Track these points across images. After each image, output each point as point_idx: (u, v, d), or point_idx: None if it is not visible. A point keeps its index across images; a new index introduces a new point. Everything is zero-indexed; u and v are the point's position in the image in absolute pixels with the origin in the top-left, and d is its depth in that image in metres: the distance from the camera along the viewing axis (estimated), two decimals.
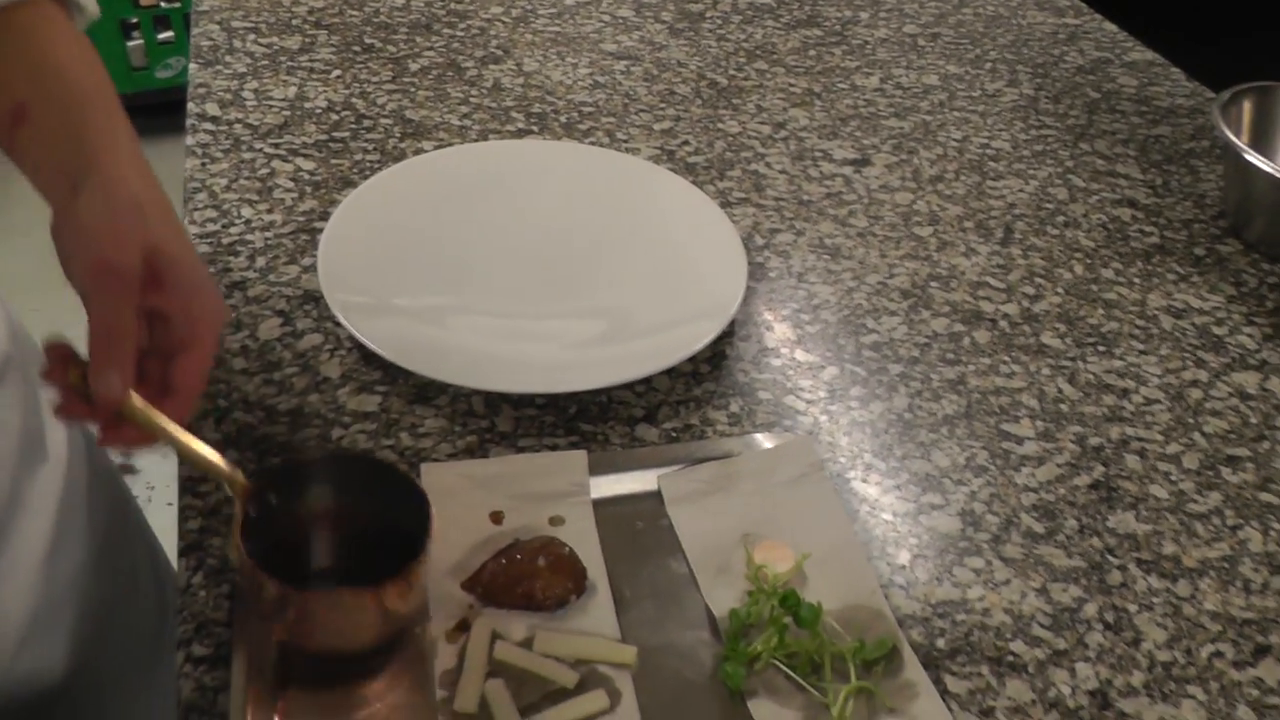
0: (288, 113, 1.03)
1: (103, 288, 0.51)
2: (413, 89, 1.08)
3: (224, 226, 0.88)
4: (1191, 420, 0.79)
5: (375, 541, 0.57)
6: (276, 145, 0.98)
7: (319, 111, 1.04)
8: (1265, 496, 0.74)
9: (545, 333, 0.80)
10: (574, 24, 1.23)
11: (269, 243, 0.87)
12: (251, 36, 1.14)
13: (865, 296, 0.87)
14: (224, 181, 0.93)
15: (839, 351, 0.82)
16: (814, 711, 0.57)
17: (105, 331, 0.51)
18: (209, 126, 1.01)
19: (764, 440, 0.72)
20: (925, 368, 0.81)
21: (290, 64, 1.11)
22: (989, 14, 1.35)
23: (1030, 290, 0.90)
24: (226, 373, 0.74)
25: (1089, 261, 0.94)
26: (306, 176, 0.95)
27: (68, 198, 0.53)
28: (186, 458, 0.55)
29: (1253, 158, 0.92)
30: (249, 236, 0.87)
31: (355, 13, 1.20)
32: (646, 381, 0.76)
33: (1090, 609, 0.65)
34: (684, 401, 0.75)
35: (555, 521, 0.65)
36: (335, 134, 1.01)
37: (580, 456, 0.68)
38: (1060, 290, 0.90)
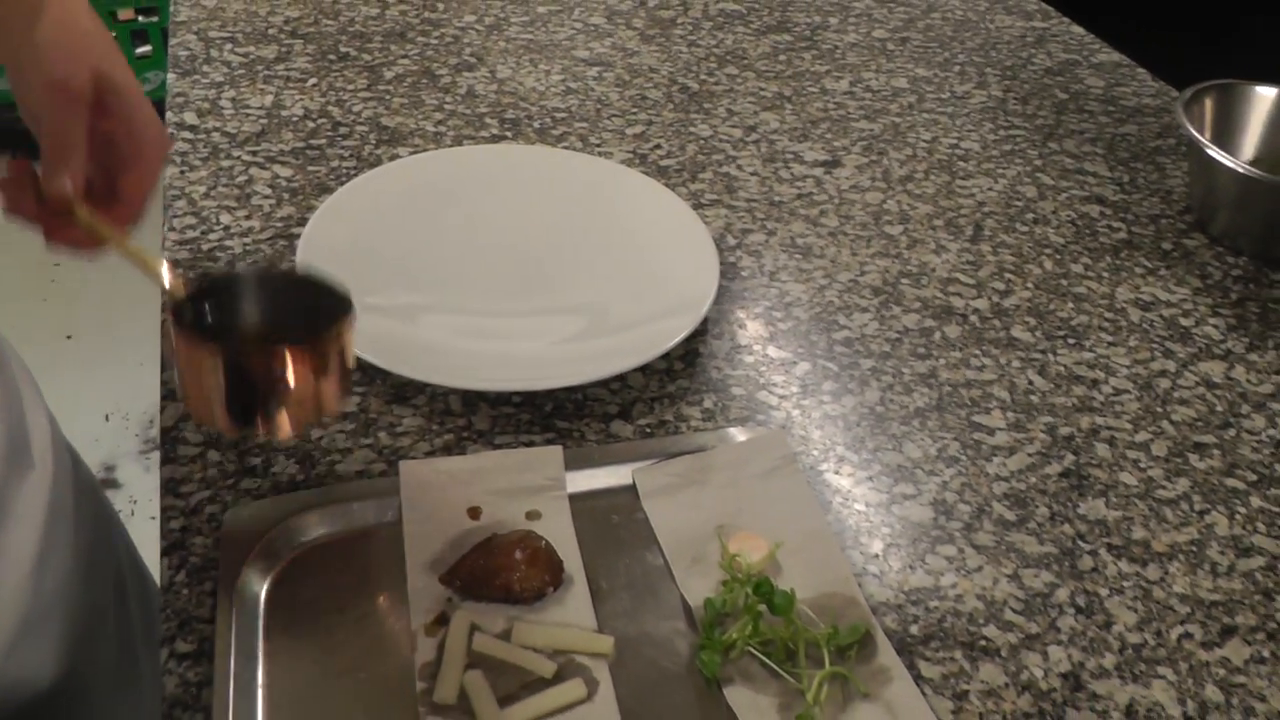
0: (265, 121, 1.04)
1: (56, 104, 0.55)
2: (388, 96, 1.09)
3: (203, 233, 0.89)
4: (1160, 409, 0.80)
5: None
6: (254, 153, 0.99)
7: (296, 119, 1.04)
8: (1231, 482, 0.75)
9: (521, 332, 0.81)
10: (546, 31, 1.24)
11: (248, 248, 0.87)
12: (229, 46, 1.15)
13: (837, 294, 0.88)
14: (203, 189, 0.94)
15: (811, 348, 0.83)
16: (789, 697, 0.58)
17: (57, 141, 0.56)
18: (187, 135, 1.01)
19: (737, 434, 0.72)
20: (896, 362, 0.82)
21: (267, 73, 1.11)
22: (957, 18, 1.36)
23: (1000, 286, 0.91)
24: None
25: (1058, 257, 0.95)
26: (284, 183, 0.95)
27: (24, 35, 0.57)
28: (127, 257, 0.58)
29: (1215, 153, 0.94)
30: (228, 242, 0.88)
31: (330, 22, 1.21)
32: (621, 379, 0.77)
33: (1062, 594, 0.66)
34: (658, 398, 0.76)
35: (532, 516, 0.66)
36: (312, 141, 1.01)
37: (556, 452, 0.68)
38: (1030, 285, 0.91)
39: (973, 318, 0.87)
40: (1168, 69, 1.27)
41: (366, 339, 0.74)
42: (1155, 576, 0.68)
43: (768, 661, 0.59)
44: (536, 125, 1.07)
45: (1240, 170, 0.93)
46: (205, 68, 1.12)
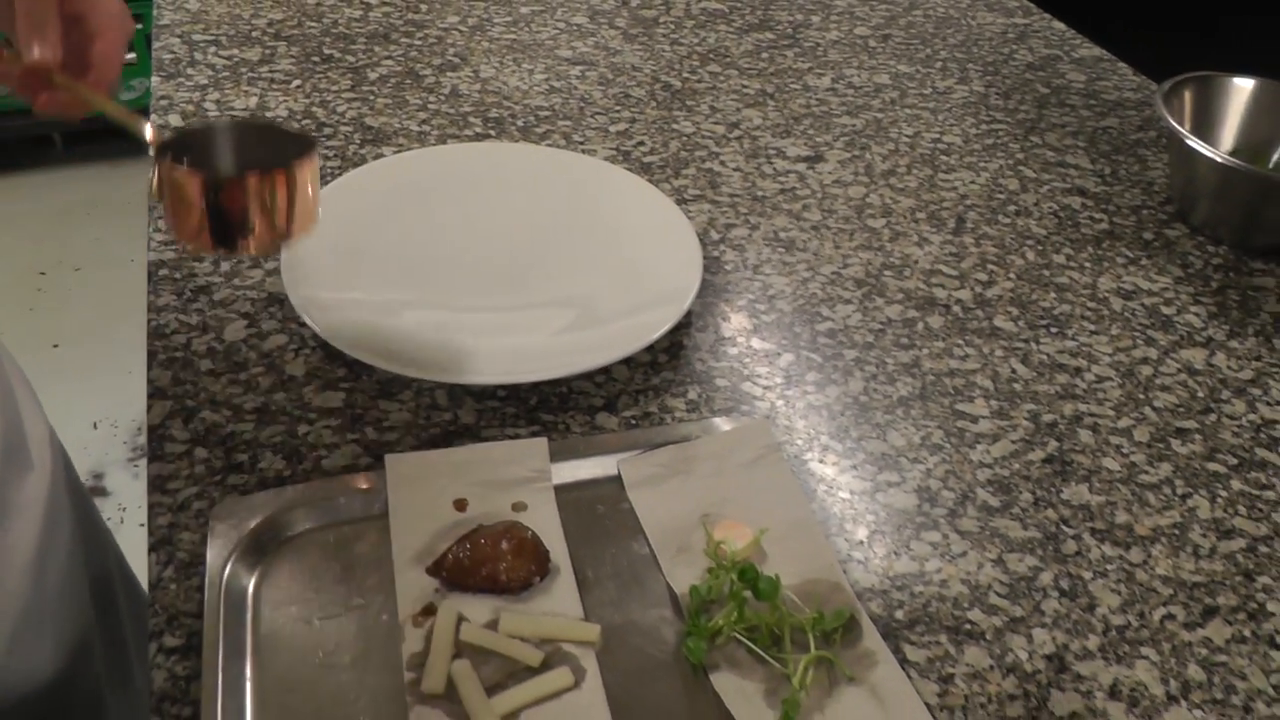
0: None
1: None
2: (372, 97, 1.09)
3: None
4: (1142, 396, 0.81)
5: None
6: None
7: (280, 120, 1.04)
8: (1212, 466, 0.76)
9: (505, 326, 0.81)
10: (529, 31, 1.25)
11: None
12: (212, 49, 1.15)
13: (820, 286, 0.89)
14: None
15: (795, 339, 0.83)
16: (775, 682, 0.58)
17: (32, 16, 0.59)
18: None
19: (721, 424, 0.73)
20: (880, 352, 0.83)
21: (251, 75, 1.12)
22: (939, 15, 1.37)
23: (983, 276, 0.92)
24: (194, 374, 0.75)
25: (1040, 248, 0.96)
26: None
27: None
28: (111, 115, 0.64)
29: (1194, 143, 0.95)
30: None
31: (314, 24, 1.21)
32: (605, 371, 0.78)
33: (1046, 577, 0.67)
34: (643, 390, 0.77)
35: (518, 507, 0.66)
36: None
37: (541, 444, 0.69)
38: (1012, 276, 0.92)
39: (955, 308, 0.88)
40: (1148, 64, 1.28)
41: (352, 335, 0.74)
42: (1138, 559, 0.69)
43: (753, 648, 0.59)
44: (520, 124, 1.07)
45: (1219, 160, 0.94)
46: (189, 70, 1.12)
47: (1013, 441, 0.76)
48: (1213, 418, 0.80)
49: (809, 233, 0.95)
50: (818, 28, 1.31)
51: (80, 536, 0.79)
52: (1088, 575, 0.67)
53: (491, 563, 0.61)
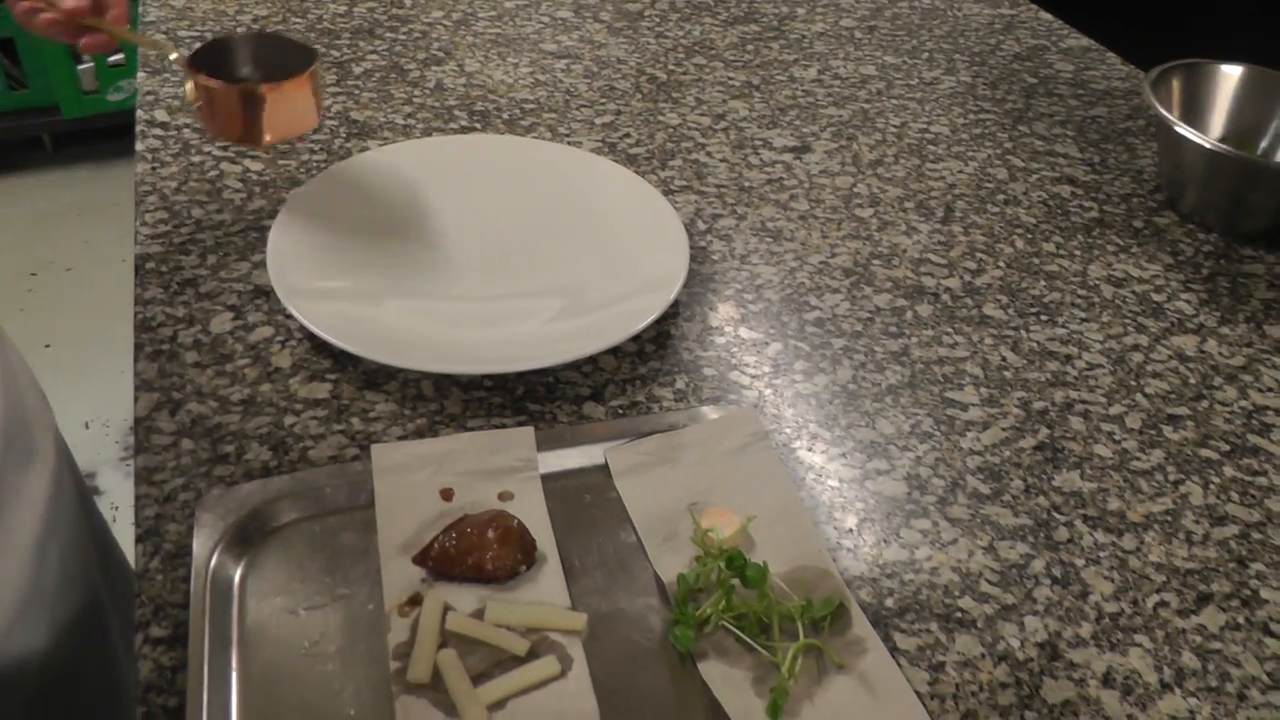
0: None
1: None
2: (357, 91, 1.08)
3: (175, 226, 0.88)
4: (1133, 382, 0.81)
5: None
6: (225, 148, 0.99)
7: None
8: (1205, 452, 0.75)
9: (492, 316, 0.81)
10: (514, 25, 1.24)
11: (219, 241, 0.87)
12: (197, 45, 1.14)
13: (808, 275, 0.89)
14: (174, 184, 0.93)
15: (782, 328, 0.83)
16: (763, 671, 0.58)
17: None
18: (158, 132, 1.01)
19: (709, 413, 0.72)
20: (868, 341, 0.82)
21: None
22: (925, 6, 1.37)
23: (972, 265, 0.91)
24: (180, 366, 0.74)
25: (1030, 236, 0.96)
26: (255, 177, 0.95)
27: None
28: (138, 43, 0.86)
29: (1183, 130, 0.94)
30: (200, 236, 0.87)
31: (299, 20, 1.21)
32: (593, 361, 0.77)
33: (1038, 565, 0.66)
34: (630, 380, 0.76)
35: (505, 497, 0.65)
36: None
37: (528, 433, 0.68)
38: (1002, 264, 0.92)
39: (944, 296, 0.87)
40: (1137, 53, 1.27)
41: (338, 326, 0.74)
42: (1131, 546, 0.68)
43: (742, 636, 0.59)
44: (505, 117, 1.07)
45: (1207, 146, 0.94)
46: (175, 66, 1.11)
47: (1003, 429, 0.76)
48: (1205, 404, 0.79)
49: (796, 222, 0.95)
50: (803, 19, 1.31)
51: (84, 525, 0.79)
52: (1080, 562, 0.67)
53: (478, 552, 0.60)
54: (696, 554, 0.63)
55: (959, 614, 0.63)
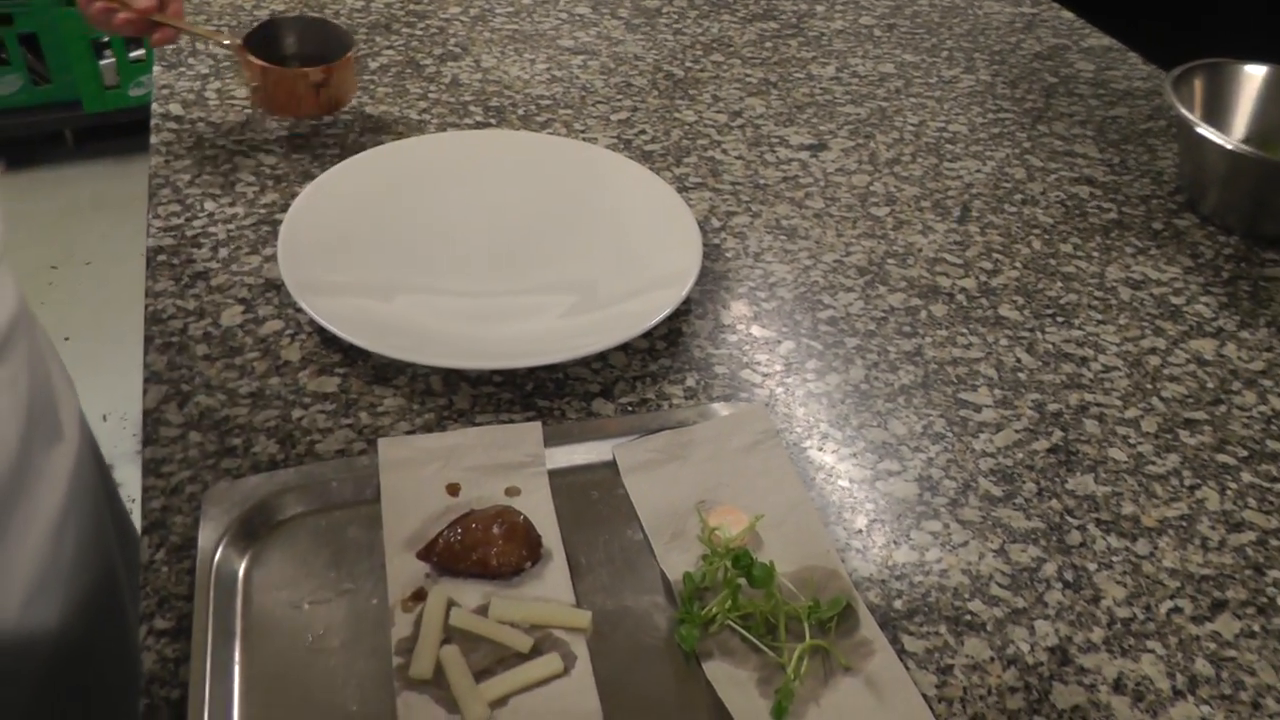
0: (249, 111, 1.03)
1: None
2: (372, 86, 1.08)
3: (187, 220, 0.88)
4: (1150, 386, 0.80)
5: None
6: (239, 141, 0.99)
7: (327, 17, 1.04)
8: (1222, 457, 0.74)
9: (502, 312, 0.80)
10: (531, 22, 1.24)
11: (231, 234, 0.87)
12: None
13: (822, 274, 0.88)
14: (187, 177, 0.94)
15: (795, 327, 0.82)
16: (769, 671, 0.57)
17: None
18: (173, 125, 1.01)
19: (719, 409, 0.72)
20: (882, 340, 0.81)
21: None
22: (945, 5, 1.36)
23: (988, 265, 0.90)
24: (189, 359, 0.74)
25: (1047, 237, 0.95)
26: (268, 170, 0.95)
27: None
28: (198, 33, 0.99)
29: (1204, 131, 0.93)
30: (212, 229, 0.87)
31: (315, 16, 1.21)
32: (603, 358, 0.77)
33: (1049, 568, 0.66)
34: (640, 377, 0.76)
35: (512, 492, 0.65)
36: (296, 130, 1.01)
37: (535, 428, 0.68)
38: (1018, 265, 0.91)
39: (960, 297, 0.87)
40: (1159, 53, 1.26)
41: (348, 320, 0.73)
42: (1145, 551, 0.67)
43: (747, 635, 0.58)
44: (521, 112, 1.06)
45: (1229, 147, 0.92)
46: (191, 60, 1.11)
47: (1016, 431, 0.75)
48: (1223, 409, 0.78)
49: (811, 220, 0.94)
50: (822, 17, 1.30)
51: (103, 507, 0.80)
52: (1092, 567, 0.66)
53: (483, 547, 0.60)
54: (704, 552, 0.62)
55: (968, 617, 0.62)
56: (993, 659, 0.60)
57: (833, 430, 0.73)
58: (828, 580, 0.61)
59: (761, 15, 1.29)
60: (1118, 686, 0.59)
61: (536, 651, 0.57)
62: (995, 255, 0.92)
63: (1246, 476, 0.73)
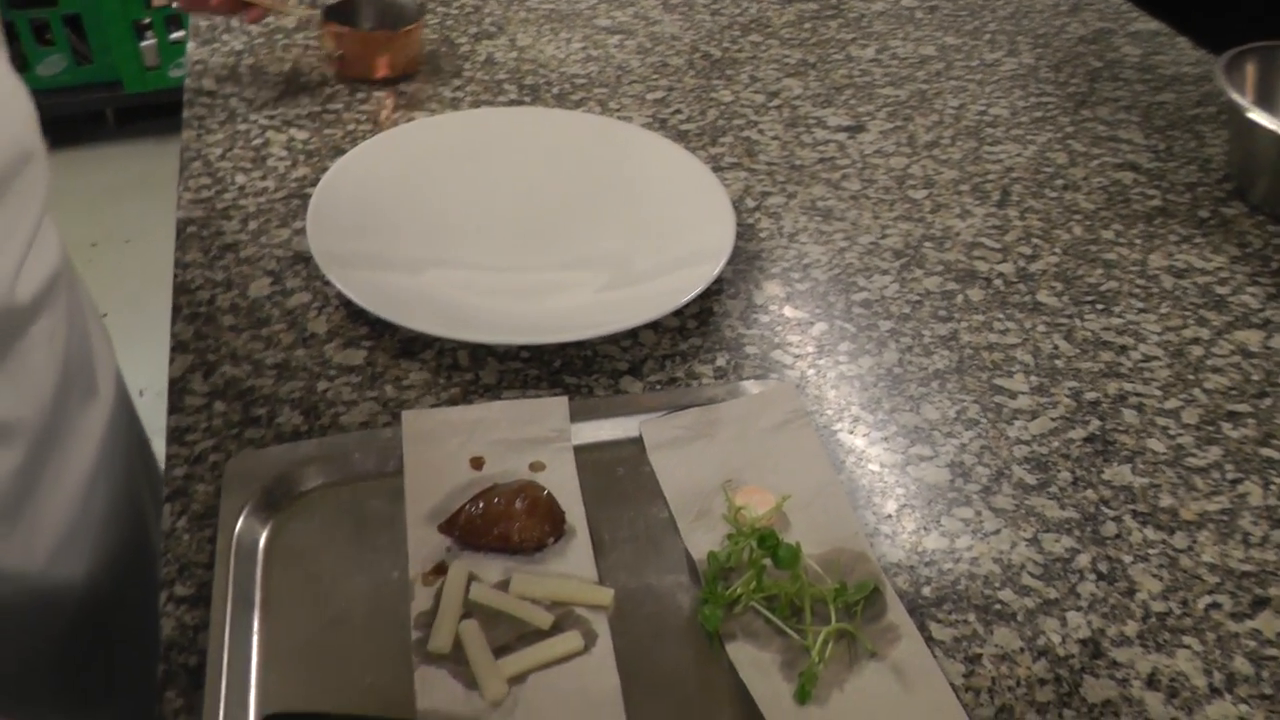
0: (282, 86, 1.03)
1: None
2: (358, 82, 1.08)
3: (217, 192, 0.88)
4: (1192, 376, 0.78)
5: None
6: (271, 117, 0.99)
7: (313, 85, 1.04)
8: (1266, 451, 0.72)
9: (531, 288, 0.80)
10: (568, 1, 1.23)
11: (261, 207, 0.86)
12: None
13: (857, 256, 0.86)
14: (219, 151, 0.93)
15: (829, 308, 0.81)
16: (793, 654, 0.56)
17: None
18: (205, 100, 1.01)
19: (749, 387, 0.71)
20: (917, 324, 0.80)
21: (286, 41, 1.11)
22: None
23: (1027, 250, 0.89)
24: (216, 329, 0.74)
25: (1088, 223, 0.92)
26: (300, 145, 0.95)
27: None
28: (282, 10, 1.08)
29: (1257, 116, 0.91)
30: (242, 201, 0.87)
31: None
32: (632, 336, 0.76)
33: (1083, 559, 0.64)
34: (670, 356, 0.75)
35: (536, 467, 0.64)
36: (329, 106, 1.01)
37: (561, 403, 0.67)
38: (1058, 251, 0.89)
39: (997, 281, 0.85)
40: (1210, 39, 1.23)
41: (376, 293, 0.73)
42: (1183, 545, 0.66)
43: (772, 618, 0.57)
44: (555, 91, 1.05)
45: None
46: (225, 36, 1.11)
47: (1052, 419, 0.73)
48: (1268, 401, 0.76)
49: (847, 202, 0.92)
50: None
51: (136, 466, 0.80)
52: (1128, 559, 0.64)
53: (505, 522, 0.59)
54: (729, 532, 0.61)
55: (998, 606, 0.61)
56: (1022, 649, 0.59)
57: (864, 413, 0.72)
58: (855, 563, 0.60)
59: None
60: (1151, 682, 0.58)
61: (557, 628, 0.56)
62: (1034, 240, 0.90)
63: None
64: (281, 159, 0.93)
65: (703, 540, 0.61)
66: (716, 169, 0.94)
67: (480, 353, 0.73)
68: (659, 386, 0.72)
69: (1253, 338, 0.82)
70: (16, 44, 2.55)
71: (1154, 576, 0.63)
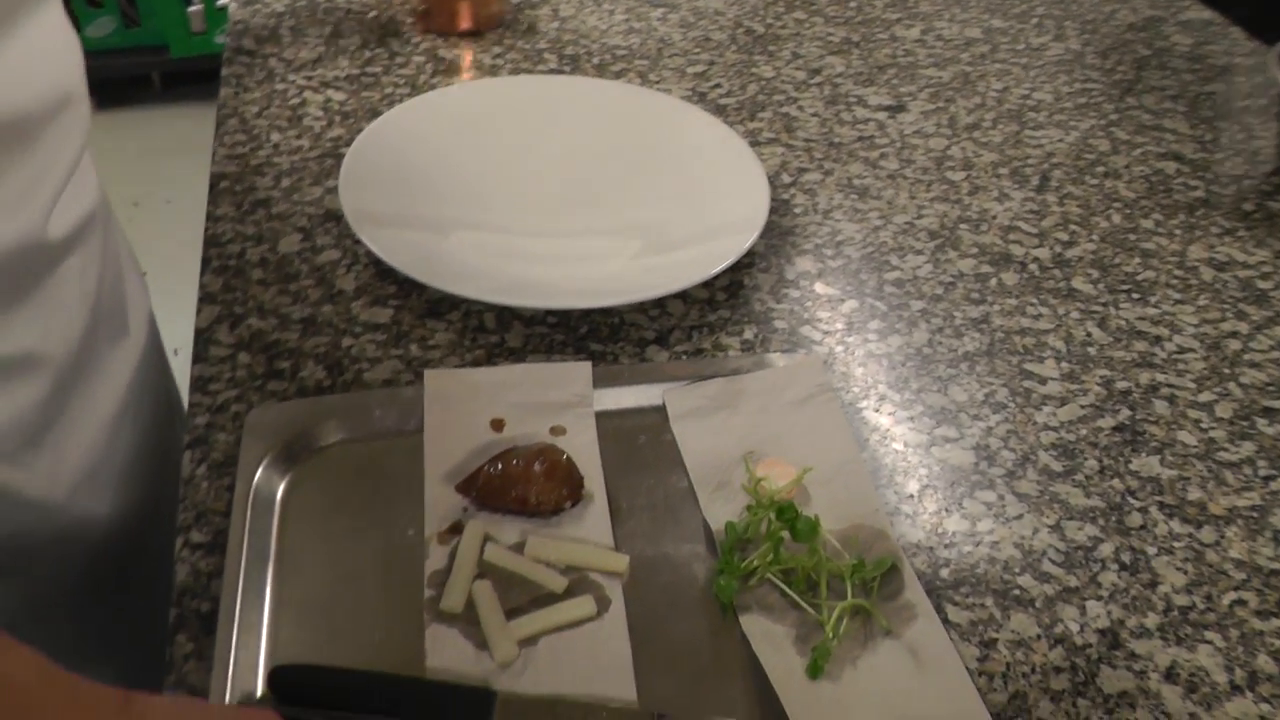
0: (322, 48, 1.03)
1: None
2: (436, 35, 1.07)
3: (252, 149, 0.88)
4: (1228, 370, 0.76)
5: None
6: (309, 78, 0.99)
7: (353, 48, 1.04)
8: None
9: (561, 253, 0.79)
10: None
11: (295, 165, 0.87)
12: None
13: (891, 235, 0.85)
14: (255, 109, 0.94)
15: (860, 286, 0.80)
16: (807, 629, 0.56)
17: None
18: (244, 59, 1.01)
19: (774, 360, 0.70)
20: (949, 305, 0.79)
21: (327, 4, 1.11)
22: None
23: (1064, 236, 0.87)
24: (245, 282, 0.74)
25: (1128, 211, 0.91)
26: (337, 106, 0.95)
27: None
28: None
29: None
30: (276, 159, 0.87)
31: None
32: (660, 305, 0.75)
33: (1106, 549, 0.63)
34: (697, 327, 0.74)
35: (557, 431, 0.64)
36: (368, 69, 1.01)
37: (585, 368, 0.66)
38: (1095, 238, 0.87)
39: (1032, 266, 0.83)
40: (1264, 29, 1.20)
41: (405, 253, 0.73)
42: (1210, 539, 0.64)
43: (788, 591, 0.57)
44: (595, 61, 1.05)
45: None
46: None
47: (1082, 406, 0.72)
48: None
49: (884, 181, 0.91)
50: None
51: (163, 414, 0.80)
52: (1152, 550, 0.63)
53: (522, 484, 0.59)
54: (749, 504, 0.61)
55: (1017, 591, 0.60)
56: (1039, 636, 0.58)
57: (891, 392, 0.71)
58: (874, 540, 0.60)
59: None
60: (1170, 675, 0.57)
61: (570, 593, 0.56)
62: (1072, 226, 0.88)
63: None
64: (318, 119, 0.93)
65: (721, 511, 0.61)
66: (754, 144, 0.94)
67: (507, 316, 0.73)
68: (685, 357, 0.72)
69: None
70: (68, 4, 2.58)
71: (1178, 570, 0.62)
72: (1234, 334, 0.79)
